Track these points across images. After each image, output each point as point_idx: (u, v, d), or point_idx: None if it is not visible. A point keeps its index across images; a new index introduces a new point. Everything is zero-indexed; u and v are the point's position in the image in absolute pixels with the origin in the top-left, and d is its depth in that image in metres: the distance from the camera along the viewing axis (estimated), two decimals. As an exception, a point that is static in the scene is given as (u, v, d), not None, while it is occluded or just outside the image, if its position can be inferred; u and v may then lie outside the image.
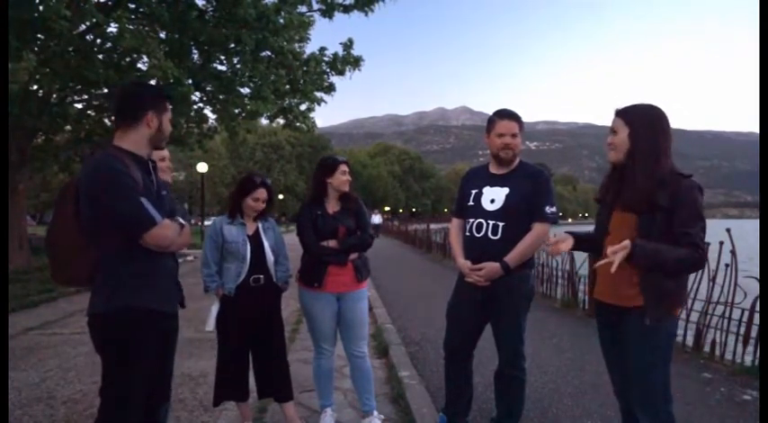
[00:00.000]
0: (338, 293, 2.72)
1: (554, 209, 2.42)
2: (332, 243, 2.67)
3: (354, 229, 2.75)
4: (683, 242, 1.75)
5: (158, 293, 1.76)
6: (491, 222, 2.41)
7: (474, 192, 2.53)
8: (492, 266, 2.34)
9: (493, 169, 2.55)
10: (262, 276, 2.69)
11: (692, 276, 4.22)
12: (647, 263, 1.77)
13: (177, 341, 2.01)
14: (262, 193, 2.69)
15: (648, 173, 1.83)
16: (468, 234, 2.51)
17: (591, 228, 2.20)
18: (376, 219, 28.94)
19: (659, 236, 1.79)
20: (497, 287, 2.39)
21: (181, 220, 1.82)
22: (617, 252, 1.73)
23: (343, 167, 2.73)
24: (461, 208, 2.61)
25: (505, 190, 2.43)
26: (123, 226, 1.66)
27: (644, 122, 1.88)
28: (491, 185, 2.49)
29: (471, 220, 2.49)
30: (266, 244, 2.73)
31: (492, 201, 2.45)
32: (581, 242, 2.11)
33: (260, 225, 2.77)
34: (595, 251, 2.12)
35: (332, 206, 2.77)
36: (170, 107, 1.88)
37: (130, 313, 1.68)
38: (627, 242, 1.73)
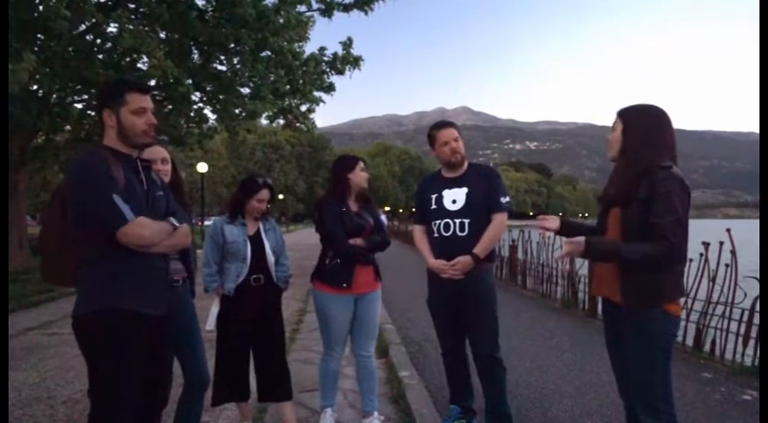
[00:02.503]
0: (357, 294, 2.71)
1: (507, 199, 2.64)
2: (359, 241, 2.66)
3: (374, 228, 2.77)
4: (654, 234, 1.75)
5: (143, 296, 1.70)
6: (457, 221, 2.58)
7: (434, 196, 2.69)
8: (465, 259, 2.51)
9: (446, 174, 2.74)
10: (262, 276, 2.69)
11: (692, 276, 4.22)
12: (605, 259, 1.85)
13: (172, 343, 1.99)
14: (265, 194, 2.70)
15: (630, 166, 1.85)
16: (436, 235, 2.66)
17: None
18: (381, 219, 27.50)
19: (639, 228, 1.79)
20: (467, 281, 2.55)
21: (173, 221, 1.78)
22: (566, 244, 1.83)
23: (361, 164, 2.78)
24: (423, 214, 2.77)
25: (464, 189, 2.62)
26: (93, 224, 1.62)
27: (637, 120, 1.90)
28: (449, 188, 2.66)
29: (438, 222, 2.64)
30: (267, 244, 2.73)
31: (454, 201, 2.62)
32: (571, 229, 2.18)
33: (261, 225, 2.77)
34: None
35: (353, 204, 2.77)
36: (131, 99, 1.72)
37: (113, 315, 1.63)
38: (581, 239, 1.81)
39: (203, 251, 2.71)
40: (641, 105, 1.94)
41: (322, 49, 11.01)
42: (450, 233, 2.58)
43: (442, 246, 2.61)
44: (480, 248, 2.51)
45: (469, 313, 2.63)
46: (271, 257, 2.72)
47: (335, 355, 2.80)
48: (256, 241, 2.71)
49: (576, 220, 2.28)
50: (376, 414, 2.82)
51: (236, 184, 2.93)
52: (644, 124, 1.89)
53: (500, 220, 2.57)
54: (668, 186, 1.77)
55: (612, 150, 1.97)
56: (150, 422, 1.86)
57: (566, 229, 2.18)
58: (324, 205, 2.72)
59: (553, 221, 2.17)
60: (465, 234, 2.55)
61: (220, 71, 10.32)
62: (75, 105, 10.55)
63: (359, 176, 2.72)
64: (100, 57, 8.99)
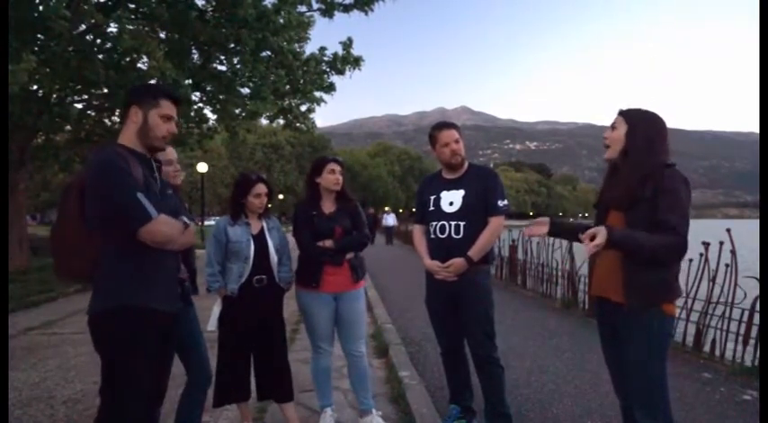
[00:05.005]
0: (335, 293, 2.75)
1: (505, 202, 2.63)
2: (328, 243, 2.70)
3: (351, 229, 2.78)
4: (662, 228, 1.75)
5: (157, 293, 1.75)
6: (453, 223, 2.59)
7: (433, 197, 2.71)
8: (459, 262, 2.52)
9: (446, 175, 2.75)
10: (265, 277, 2.69)
11: (691, 276, 4.22)
12: (625, 245, 1.77)
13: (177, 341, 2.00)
14: (262, 188, 2.70)
15: (635, 170, 1.85)
16: (432, 236, 2.67)
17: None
18: (390, 220, 23.58)
19: (646, 227, 1.79)
20: (461, 282, 2.57)
21: (185, 220, 1.83)
22: (593, 236, 1.72)
23: (331, 166, 2.75)
24: (423, 214, 2.79)
25: (461, 192, 2.63)
26: (117, 221, 1.66)
27: (643, 123, 1.91)
28: (447, 190, 2.68)
29: (434, 224, 2.66)
30: (270, 244, 2.73)
31: (451, 203, 2.64)
32: (562, 229, 2.16)
33: (265, 224, 2.78)
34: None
35: (327, 206, 2.79)
36: (164, 104, 1.81)
37: (128, 312, 1.67)
38: (602, 227, 1.74)
39: (206, 251, 2.71)
40: (645, 110, 1.95)
41: (322, 49, 11.01)
42: (445, 235, 2.60)
43: (438, 247, 2.64)
44: (474, 251, 2.52)
45: (464, 314, 2.64)
46: (274, 257, 2.73)
47: (323, 353, 2.83)
48: (260, 240, 2.71)
49: (566, 221, 2.28)
50: (374, 411, 2.83)
51: (233, 185, 2.95)
52: (649, 129, 1.90)
53: (496, 223, 2.58)
54: (675, 183, 1.79)
55: (613, 150, 1.96)
56: (151, 418, 1.87)
57: (555, 229, 2.15)
58: (295, 210, 2.83)
59: (540, 227, 2.12)
60: (460, 236, 2.57)
61: (220, 71, 10.30)
62: (75, 105, 10.53)
63: (326, 180, 2.74)
64: (100, 57, 8.97)
